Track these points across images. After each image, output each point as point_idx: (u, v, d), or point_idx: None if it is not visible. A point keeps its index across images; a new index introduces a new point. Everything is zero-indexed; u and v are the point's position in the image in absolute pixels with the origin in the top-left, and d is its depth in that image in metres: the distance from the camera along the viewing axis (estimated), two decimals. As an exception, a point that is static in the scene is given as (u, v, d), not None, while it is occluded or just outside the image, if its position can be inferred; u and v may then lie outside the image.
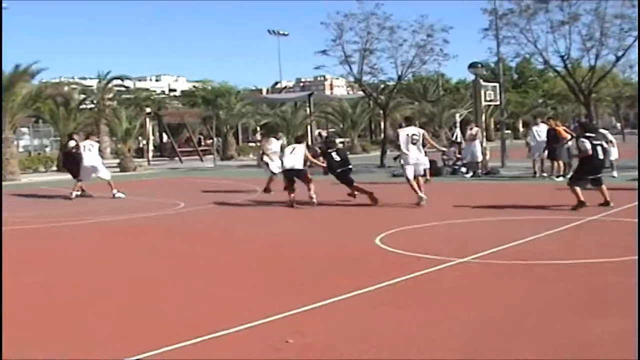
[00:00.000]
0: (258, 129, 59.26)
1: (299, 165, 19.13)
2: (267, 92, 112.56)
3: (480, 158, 28.04)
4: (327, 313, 7.87)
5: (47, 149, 65.88)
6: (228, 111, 52.76)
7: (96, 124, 52.99)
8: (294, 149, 19.56)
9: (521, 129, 71.80)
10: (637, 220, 13.40)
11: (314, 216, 17.27)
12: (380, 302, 8.32)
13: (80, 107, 46.70)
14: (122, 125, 40.72)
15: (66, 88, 53.15)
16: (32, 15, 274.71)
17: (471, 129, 28.61)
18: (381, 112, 40.58)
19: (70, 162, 24.32)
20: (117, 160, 41.37)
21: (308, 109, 53.99)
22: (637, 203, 15.90)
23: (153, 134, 58.01)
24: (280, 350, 6.56)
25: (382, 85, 41.34)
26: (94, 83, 72.37)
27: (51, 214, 19.12)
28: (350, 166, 19.64)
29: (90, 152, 23.77)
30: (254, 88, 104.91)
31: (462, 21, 64.54)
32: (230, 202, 20.61)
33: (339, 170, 19.39)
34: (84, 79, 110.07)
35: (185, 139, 57.07)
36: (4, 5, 70.46)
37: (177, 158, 48.98)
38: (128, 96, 70.37)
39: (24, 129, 60.93)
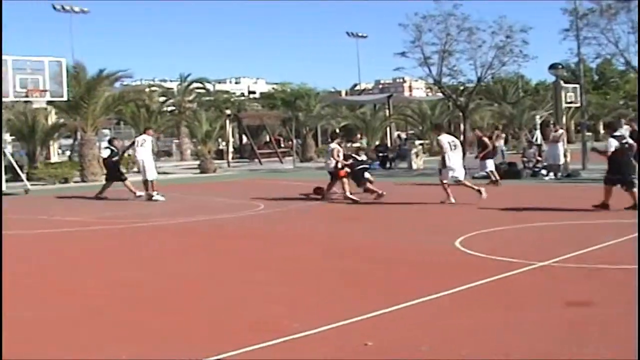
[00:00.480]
0: (337, 131, 59.39)
1: (332, 163, 21.42)
2: (346, 94, 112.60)
3: (562, 160, 27.71)
4: (408, 315, 7.88)
5: (129, 151, 67.05)
6: (307, 113, 53.01)
7: (176, 126, 53.86)
8: (332, 150, 21.78)
9: (602, 131, 70.55)
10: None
11: (392, 218, 17.29)
12: (461, 304, 8.31)
13: (161, 109, 47.53)
14: (202, 127, 41.21)
15: (147, 90, 54.04)
16: (114, 18, 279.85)
17: (555, 130, 28.24)
18: (460, 114, 40.34)
19: (111, 168, 24.67)
20: (197, 162, 41.89)
21: (387, 111, 53.91)
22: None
23: (233, 136, 58.54)
24: (359, 353, 6.59)
25: (462, 87, 41.06)
26: (174, 85, 73.42)
27: (131, 214, 19.48)
28: (366, 166, 22.22)
29: (142, 148, 24.09)
30: (332, 90, 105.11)
31: (541, 21, 63.54)
32: (308, 204, 20.74)
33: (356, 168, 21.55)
34: (165, 81, 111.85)
35: (265, 141, 57.49)
36: (85, 9, 72.34)
37: (256, 160, 49.36)
38: (208, 98, 71.10)
39: (106, 131, 62.07)
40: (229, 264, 11.73)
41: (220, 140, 53.27)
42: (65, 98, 30.92)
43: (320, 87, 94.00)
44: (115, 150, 25.04)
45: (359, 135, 26.05)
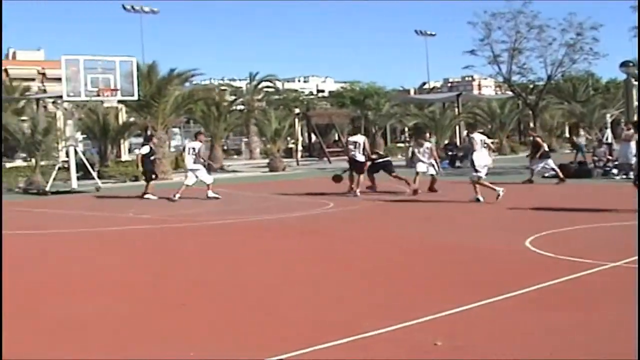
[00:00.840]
0: (406, 129, 59.22)
1: (361, 159, 23.04)
2: (415, 92, 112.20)
3: (633, 160, 27.18)
4: (479, 315, 7.80)
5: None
6: (376, 112, 52.93)
7: (246, 125, 54.20)
8: (356, 143, 23.40)
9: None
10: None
11: (460, 217, 17.16)
12: (533, 305, 8.20)
13: (231, 108, 47.87)
14: (271, 125, 41.42)
15: (217, 90, 54.50)
16: (183, 18, 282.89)
17: (628, 129, 27.72)
18: (530, 112, 39.88)
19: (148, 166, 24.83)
20: (267, 160, 42.13)
21: (456, 110, 53.52)
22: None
23: (302, 135, 58.77)
24: (429, 352, 6.54)
25: (531, 85, 40.59)
26: (243, 84, 73.93)
27: (204, 212, 19.69)
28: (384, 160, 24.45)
29: (189, 156, 23.91)
30: (401, 89, 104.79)
31: (612, 18, 62.51)
32: (377, 203, 20.70)
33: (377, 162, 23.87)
34: (234, 80, 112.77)
35: (334, 140, 57.56)
36: (154, 9, 73.28)
37: (325, 158, 49.44)
38: (277, 97, 71.55)
39: (175, 130, 62.76)
40: (299, 263, 11.75)
41: (289, 138, 53.48)
42: (135, 97, 31.39)
43: (389, 86, 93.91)
44: (154, 149, 25.35)
45: (428, 134, 25.79)
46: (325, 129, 58.69)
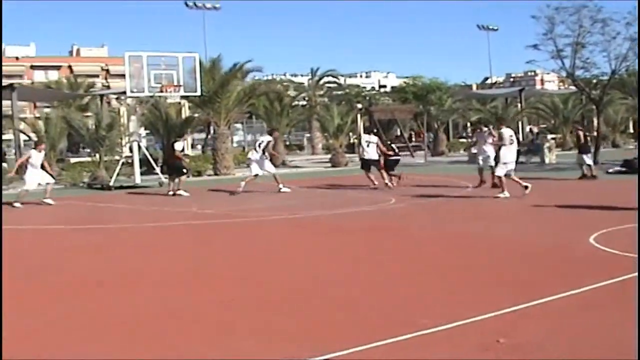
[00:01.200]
0: (469, 125, 58.77)
1: (374, 156, 24.17)
2: (477, 87, 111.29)
3: None
4: (540, 313, 7.68)
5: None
6: (439, 107, 52.65)
7: (308, 120, 54.38)
8: (369, 143, 24.53)
9: None
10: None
11: (523, 214, 16.97)
12: (595, 303, 8.06)
13: (293, 103, 48.08)
14: (333, 121, 41.47)
15: (279, 85, 54.74)
16: (245, 14, 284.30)
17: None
18: (594, 107, 39.29)
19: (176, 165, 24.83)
20: (329, 156, 42.19)
21: (519, 105, 52.95)
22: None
23: (364, 130, 58.69)
24: (489, 350, 6.47)
25: (595, 80, 39.89)
26: (305, 80, 74.09)
27: (269, 206, 19.83)
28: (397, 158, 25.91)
29: (255, 151, 24.57)
30: (463, 84, 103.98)
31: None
32: (439, 198, 20.59)
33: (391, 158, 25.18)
34: (296, 76, 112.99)
35: (396, 135, 57.38)
36: (217, 5, 73.78)
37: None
38: (339, 92, 71.52)
39: (238, 125, 63.16)
40: (357, 258, 11.73)
41: (351, 134, 53.43)
42: (198, 93, 31.66)
43: (451, 81, 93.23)
44: (161, 147, 25.59)
45: (484, 127, 25.57)
46: (387, 125, 58.51)
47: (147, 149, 34.05)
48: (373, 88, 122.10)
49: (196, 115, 41.39)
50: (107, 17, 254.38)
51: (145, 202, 22.45)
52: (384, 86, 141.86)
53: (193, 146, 54.81)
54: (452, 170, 31.50)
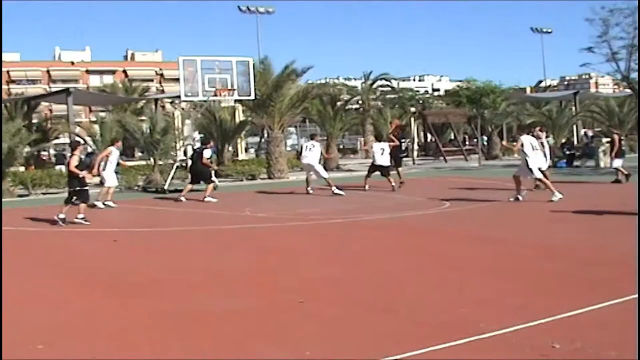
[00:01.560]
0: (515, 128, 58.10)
1: (386, 163, 25.74)
2: (531, 90, 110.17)
3: None
4: (600, 318, 7.62)
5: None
6: (493, 110, 52.27)
7: (361, 124, 54.24)
8: (383, 150, 25.81)
9: None
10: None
11: (575, 219, 16.77)
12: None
13: (346, 107, 48.06)
14: (387, 124, 41.42)
15: (332, 89, 54.79)
16: (298, 18, 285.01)
17: None
18: (650, 111, 38.72)
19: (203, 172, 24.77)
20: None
21: (574, 108, 52.38)
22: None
23: (417, 134, 58.54)
24: (547, 355, 6.44)
25: (650, 83, 39.25)
26: (358, 84, 73.93)
27: (329, 210, 19.84)
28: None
29: (310, 151, 25.20)
30: (517, 87, 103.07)
31: None
32: (493, 203, 20.45)
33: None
34: (349, 79, 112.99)
35: (450, 139, 57.13)
36: (270, 9, 74.07)
37: (441, 157, 49.18)
38: (392, 96, 71.29)
39: (291, 129, 63.32)
40: (414, 262, 11.73)
41: (404, 138, 53.33)
42: (252, 96, 31.84)
43: (504, 84, 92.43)
44: (215, 151, 25.67)
45: (538, 128, 25.26)
46: (441, 128, 58.35)
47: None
48: (426, 91, 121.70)
49: (249, 118, 41.63)
50: (161, 22, 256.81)
51: (199, 206, 22.62)
52: (437, 90, 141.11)
53: (247, 150, 55.02)
54: (506, 174, 31.21)
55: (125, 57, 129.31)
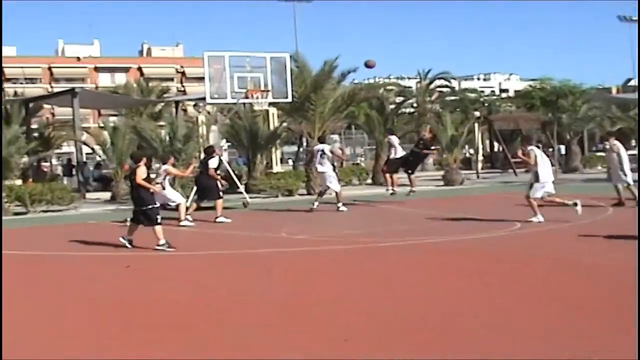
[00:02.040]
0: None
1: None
2: (617, 91, 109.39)
3: None
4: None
5: (361, 159, 68.10)
6: (572, 115, 52.06)
7: (417, 131, 54.24)
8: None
9: None
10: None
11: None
12: None
13: (399, 111, 48.09)
14: (447, 132, 41.34)
15: (381, 90, 54.91)
16: (342, 8, 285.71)
17: None
18: None
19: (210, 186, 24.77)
20: (441, 173, 42.11)
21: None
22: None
23: (482, 142, 58.43)
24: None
25: None
26: (413, 83, 74.01)
27: (364, 232, 19.96)
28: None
29: (322, 158, 26.27)
30: (601, 87, 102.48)
31: None
32: (573, 223, 20.35)
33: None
34: (402, 78, 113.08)
35: (521, 148, 56.86)
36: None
37: (510, 170, 49.02)
38: (453, 98, 71.35)
39: (334, 136, 63.41)
40: (490, 293, 11.76)
41: (467, 147, 53.29)
42: (289, 99, 31.89)
43: (586, 83, 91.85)
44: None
45: (613, 138, 25.18)
46: (510, 136, 58.09)
47: (229, 163, 34.52)
48: (493, 92, 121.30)
49: (286, 124, 41.67)
50: (182, 12, 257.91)
51: (227, 226, 22.80)
52: (506, 90, 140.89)
53: (283, 161, 55.21)
54: (587, 189, 31.06)
55: (141, 53, 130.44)
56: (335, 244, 18.05)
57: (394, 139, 29.94)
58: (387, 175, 29.74)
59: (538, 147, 22.01)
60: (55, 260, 17.36)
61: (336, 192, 26.18)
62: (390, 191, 28.99)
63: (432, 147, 31.52)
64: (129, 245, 17.88)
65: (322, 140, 28.94)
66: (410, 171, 29.60)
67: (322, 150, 26.33)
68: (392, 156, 29.50)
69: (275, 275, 14.17)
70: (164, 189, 23.16)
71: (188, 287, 13.05)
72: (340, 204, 25.65)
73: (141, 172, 17.95)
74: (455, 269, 14.18)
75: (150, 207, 17.91)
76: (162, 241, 17.46)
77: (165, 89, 72.82)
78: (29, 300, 12.22)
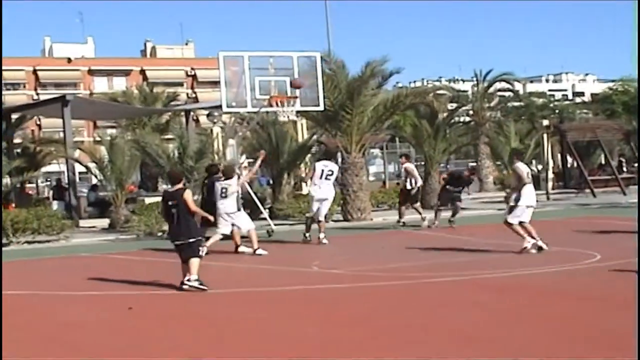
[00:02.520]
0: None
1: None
2: None
3: None
4: None
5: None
6: (661, 122, 51.91)
7: (473, 144, 54.17)
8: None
9: None
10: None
11: None
12: None
13: (452, 120, 47.96)
14: (509, 144, 41.27)
15: (431, 95, 54.94)
16: (379, 4, 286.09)
17: None
18: None
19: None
20: (503, 194, 41.96)
21: None
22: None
23: (553, 157, 58.18)
24: None
25: None
26: (468, 87, 73.97)
27: (408, 265, 20.03)
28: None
29: (328, 180, 26.68)
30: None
31: None
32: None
33: None
34: (455, 81, 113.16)
35: (600, 163, 56.62)
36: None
37: (587, 190, 48.78)
38: (516, 104, 71.31)
39: (375, 151, 63.25)
40: (566, 339, 11.71)
41: (535, 162, 53.06)
42: (321, 107, 31.77)
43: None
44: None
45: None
46: (587, 148, 57.86)
47: (250, 184, 34.56)
48: (565, 97, 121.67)
49: (317, 137, 41.61)
50: (193, 6, 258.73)
51: (249, 260, 22.79)
52: (581, 94, 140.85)
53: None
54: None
55: (144, 53, 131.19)
56: (374, 280, 18.02)
57: (411, 167, 31.13)
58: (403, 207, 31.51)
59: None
60: (42, 301, 17.39)
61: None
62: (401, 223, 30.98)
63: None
64: (202, 287, 17.14)
65: (327, 155, 29.57)
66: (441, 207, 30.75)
67: (331, 171, 26.60)
68: (408, 186, 30.83)
69: (300, 320, 14.20)
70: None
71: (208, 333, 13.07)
72: (322, 235, 25.94)
73: (191, 196, 17.58)
74: (519, 309, 14.18)
75: (199, 239, 17.74)
76: (195, 276, 17.09)
77: (173, 95, 72.72)
78: (11, 349, 12.24)
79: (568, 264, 19.09)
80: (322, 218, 26.25)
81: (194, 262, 17.15)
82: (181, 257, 17.45)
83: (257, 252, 23.24)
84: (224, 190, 23.45)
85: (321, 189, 26.04)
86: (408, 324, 13.30)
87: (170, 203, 17.43)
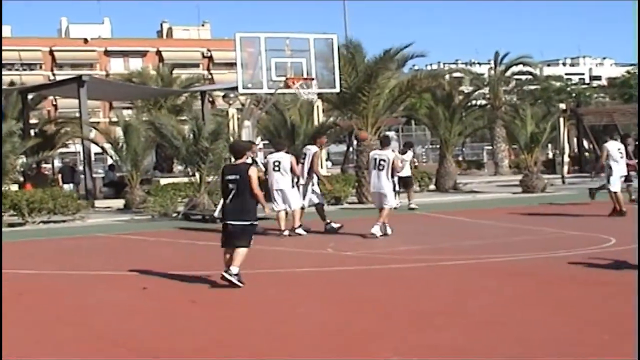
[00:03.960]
0: None
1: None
2: None
3: None
4: None
5: (421, 160, 67.85)
6: (680, 106, 51.74)
7: (489, 127, 54.03)
8: None
9: None
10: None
11: None
12: None
13: (468, 103, 47.81)
14: (526, 128, 40.99)
15: (447, 77, 54.76)
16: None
17: None
18: None
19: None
20: (519, 177, 41.85)
21: None
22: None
23: (569, 141, 58.02)
24: None
25: None
26: (485, 70, 73.77)
27: (420, 248, 20.06)
28: None
29: (278, 171, 24.66)
30: None
31: None
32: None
33: None
34: (472, 64, 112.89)
35: (618, 148, 56.32)
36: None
37: (603, 174, 48.61)
38: (533, 87, 71.05)
39: (391, 133, 63.16)
40: (574, 325, 11.74)
41: (550, 146, 52.89)
42: (337, 89, 31.71)
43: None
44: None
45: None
46: (603, 133, 57.67)
47: (265, 165, 34.49)
48: (582, 80, 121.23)
49: (333, 119, 41.48)
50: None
51: (265, 242, 22.74)
52: (598, 78, 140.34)
53: (329, 160, 55.01)
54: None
55: (160, 34, 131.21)
56: (388, 263, 18.10)
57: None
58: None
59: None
60: (58, 280, 17.45)
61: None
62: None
63: None
64: (239, 284, 15.22)
65: (277, 147, 27.79)
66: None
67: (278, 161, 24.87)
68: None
69: (314, 301, 14.28)
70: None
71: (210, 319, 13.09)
72: (299, 227, 24.07)
73: (256, 173, 16.04)
74: (529, 293, 14.20)
75: (255, 223, 16.01)
76: (237, 269, 15.23)
77: (189, 77, 72.29)
78: (26, 332, 12.27)
79: (584, 248, 19.02)
80: (297, 206, 24.17)
81: (241, 253, 15.40)
82: (227, 242, 15.82)
83: (297, 231, 23.45)
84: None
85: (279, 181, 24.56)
86: (424, 308, 13.27)
87: (230, 177, 15.75)
